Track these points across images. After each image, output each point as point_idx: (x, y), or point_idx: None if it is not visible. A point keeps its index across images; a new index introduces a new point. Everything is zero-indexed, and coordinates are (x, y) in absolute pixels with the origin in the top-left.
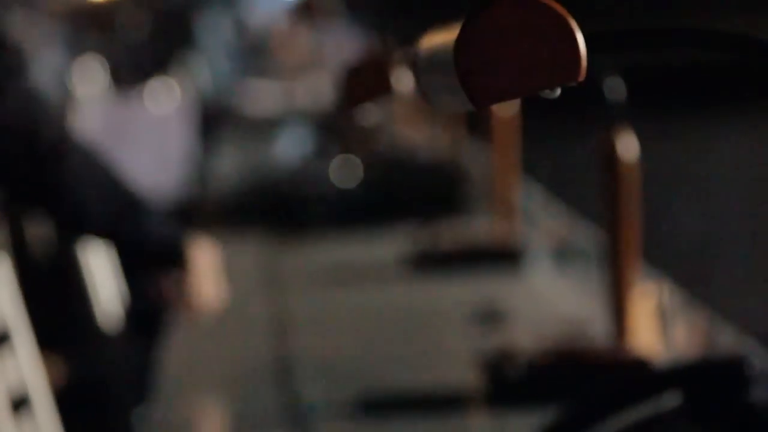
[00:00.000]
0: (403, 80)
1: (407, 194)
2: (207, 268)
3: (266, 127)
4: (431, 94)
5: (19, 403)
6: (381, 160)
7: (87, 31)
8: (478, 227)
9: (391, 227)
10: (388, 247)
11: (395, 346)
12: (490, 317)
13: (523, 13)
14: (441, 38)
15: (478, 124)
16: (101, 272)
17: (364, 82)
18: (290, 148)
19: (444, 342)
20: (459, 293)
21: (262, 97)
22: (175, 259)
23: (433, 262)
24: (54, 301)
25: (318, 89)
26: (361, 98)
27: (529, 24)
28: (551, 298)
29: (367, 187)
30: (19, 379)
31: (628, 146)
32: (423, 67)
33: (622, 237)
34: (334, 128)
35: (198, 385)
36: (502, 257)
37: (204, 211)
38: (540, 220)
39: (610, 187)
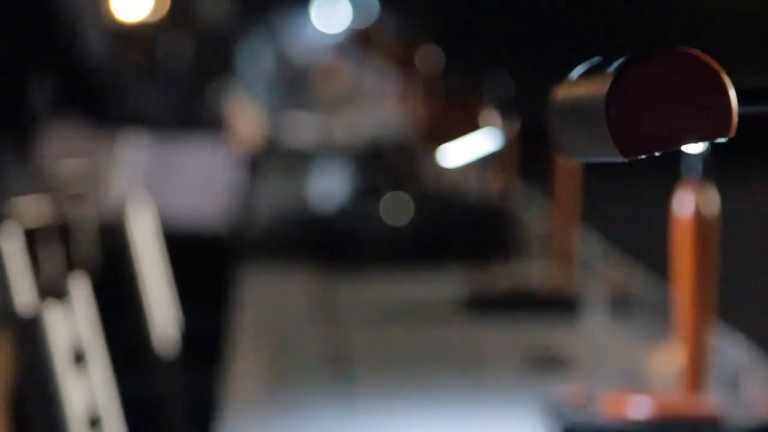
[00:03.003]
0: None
1: (459, 234)
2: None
3: (307, 160)
4: (565, 141)
5: (92, 424)
6: (432, 198)
7: (127, 55)
8: (532, 271)
9: (443, 267)
10: (440, 286)
11: (447, 386)
12: (545, 362)
13: (675, 65)
14: (581, 88)
15: (534, 168)
16: (158, 297)
17: (451, 120)
18: (334, 182)
19: (496, 385)
20: (512, 337)
21: (303, 129)
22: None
23: (487, 304)
24: (113, 324)
25: (359, 124)
26: (447, 136)
27: (682, 76)
28: (607, 346)
29: (419, 225)
30: (92, 399)
31: (708, 199)
32: (558, 115)
33: (697, 291)
34: (382, 164)
35: (256, 412)
36: (558, 303)
37: (251, 244)
38: (597, 267)
39: (687, 240)
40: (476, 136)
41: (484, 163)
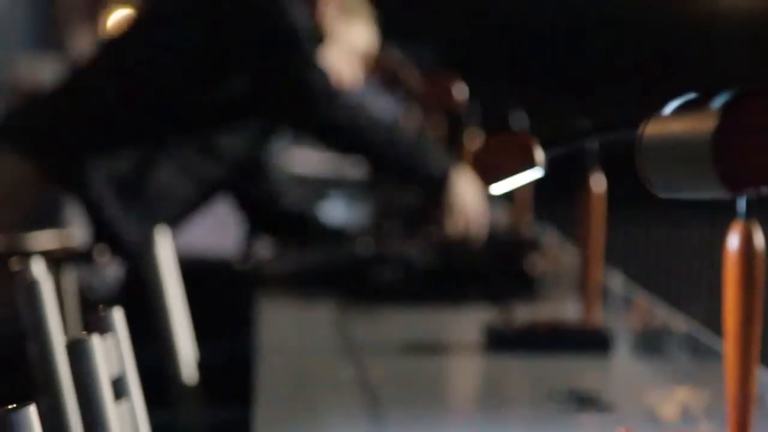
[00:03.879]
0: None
1: (483, 269)
2: (468, 196)
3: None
4: (658, 177)
5: None
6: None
7: None
8: (558, 307)
9: (467, 302)
10: (463, 322)
11: (472, 423)
12: (572, 400)
13: None
14: (677, 124)
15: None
16: (179, 328)
17: (506, 157)
18: (352, 214)
19: (522, 423)
20: (537, 374)
21: (313, 158)
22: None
23: (511, 340)
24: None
25: None
26: (501, 173)
27: None
28: (634, 382)
29: (443, 259)
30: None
31: (758, 238)
32: (650, 151)
33: (745, 336)
34: (403, 197)
35: None
36: (585, 339)
37: (273, 274)
38: (623, 304)
39: (735, 281)
40: (527, 171)
41: (507, 197)
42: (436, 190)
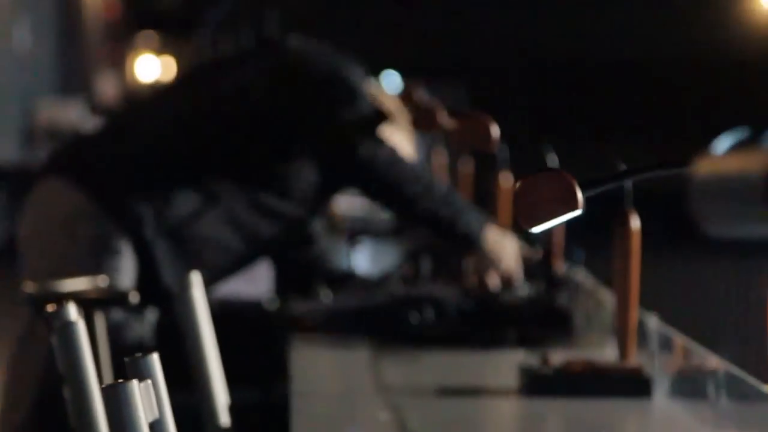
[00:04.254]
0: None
1: (518, 311)
2: (504, 250)
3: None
4: (711, 218)
5: None
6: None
7: None
8: (592, 349)
9: (503, 345)
10: (499, 365)
11: None
12: None
13: None
14: (731, 163)
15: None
16: (213, 372)
17: (548, 198)
18: (387, 257)
19: None
20: (575, 416)
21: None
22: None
23: (548, 383)
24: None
25: None
26: (544, 215)
27: None
28: (676, 425)
29: (477, 302)
30: None
31: None
32: (702, 191)
33: None
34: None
35: None
36: (623, 381)
37: (307, 316)
38: (660, 344)
39: None
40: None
41: (539, 239)
42: (472, 246)
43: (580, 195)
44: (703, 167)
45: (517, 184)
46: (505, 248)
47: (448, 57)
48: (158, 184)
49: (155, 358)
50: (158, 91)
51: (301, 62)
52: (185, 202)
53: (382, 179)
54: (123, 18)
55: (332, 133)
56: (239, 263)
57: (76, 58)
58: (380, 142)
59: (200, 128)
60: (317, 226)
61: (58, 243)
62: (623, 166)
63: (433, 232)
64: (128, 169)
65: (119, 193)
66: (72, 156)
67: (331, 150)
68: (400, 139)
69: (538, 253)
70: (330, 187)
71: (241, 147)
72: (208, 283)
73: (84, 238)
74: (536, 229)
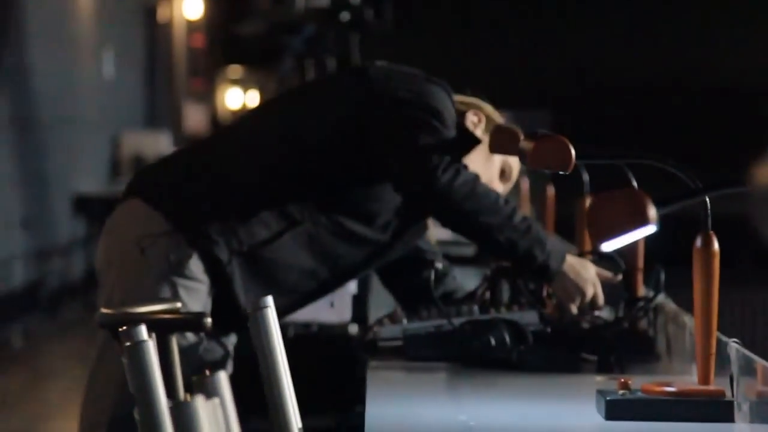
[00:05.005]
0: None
1: (597, 336)
2: (586, 282)
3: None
4: None
5: None
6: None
7: None
8: (673, 373)
9: (582, 369)
10: (580, 389)
11: None
12: None
13: None
14: None
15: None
16: (286, 396)
17: (619, 213)
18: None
19: None
20: None
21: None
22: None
23: (630, 408)
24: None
25: None
26: (615, 230)
27: None
28: None
29: (556, 325)
30: None
31: None
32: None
33: None
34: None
35: None
36: (706, 406)
37: (382, 340)
38: (742, 368)
39: None
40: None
41: (620, 263)
42: (551, 279)
43: (652, 211)
44: (762, 174)
45: (590, 202)
46: (586, 280)
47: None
48: (235, 207)
49: (223, 376)
50: (240, 116)
51: (384, 86)
52: (263, 225)
53: (459, 209)
54: (209, 50)
55: (411, 159)
56: (320, 288)
57: (162, 90)
58: (460, 170)
59: (279, 152)
60: (434, 253)
61: (133, 263)
62: (699, 185)
63: (512, 263)
64: (206, 191)
65: (195, 214)
66: (150, 177)
67: (408, 177)
68: (490, 161)
69: (618, 278)
70: (412, 213)
71: (321, 171)
72: (290, 308)
73: (159, 258)
74: (610, 247)
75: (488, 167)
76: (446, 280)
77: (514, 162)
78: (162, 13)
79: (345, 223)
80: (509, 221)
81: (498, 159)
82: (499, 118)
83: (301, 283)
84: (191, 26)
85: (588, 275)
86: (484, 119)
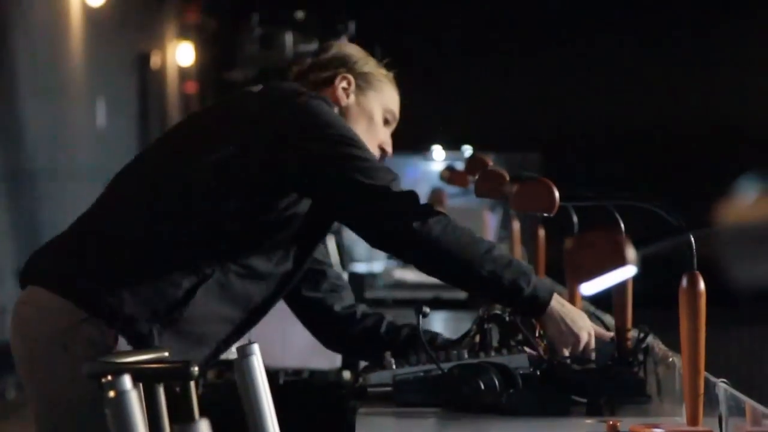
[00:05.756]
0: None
1: (587, 379)
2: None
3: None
4: (743, 265)
5: None
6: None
7: None
8: (663, 415)
9: (571, 413)
10: None
11: None
12: None
13: None
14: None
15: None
16: None
17: (597, 255)
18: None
19: None
20: None
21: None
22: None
23: None
24: None
25: None
26: (593, 271)
27: None
28: None
29: (545, 369)
30: None
31: None
32: (732, 239)
33: None
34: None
35: None
36: None
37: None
38: (730, 409)
39: None
40: (619, 270)
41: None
42: (540, 310)
43: (631, 252)
44: (729, 215)
45: (569, 244)
46: (581, 327)
47: (523, 131)
48: (143, 274)
49: (205, 425)
50: (126, 166)
51: (289, 125)
52: (174, 287)
53: (437, 250)
54: (201, 97)
55: (373, 206)
56: (236, 331)
57: (155, 137)
58: (429, 212)
59: (171, 207)
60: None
61: (58, 365)
62: (682, 224)
63: (499, 298)
64: (108, 263)
65: (106, 293)
66: (48, 261)
67: (375, 225)
68: (372, 118)
69: (610, 335)
70: (312, 238)
71: (220, 218)
72: (213, 356)
73: (83, 349)
74: (591, 289)
75: (371, 126)
76: (343, 293)
77: (392, 103)
78: (155, 61)
79: (251, 263)
80: (489, 254)
81: (378, 109)
82: (367, 65)
83: (220, 330)
84: (183, 73)
85: (584, 323)
86: (352, 79)
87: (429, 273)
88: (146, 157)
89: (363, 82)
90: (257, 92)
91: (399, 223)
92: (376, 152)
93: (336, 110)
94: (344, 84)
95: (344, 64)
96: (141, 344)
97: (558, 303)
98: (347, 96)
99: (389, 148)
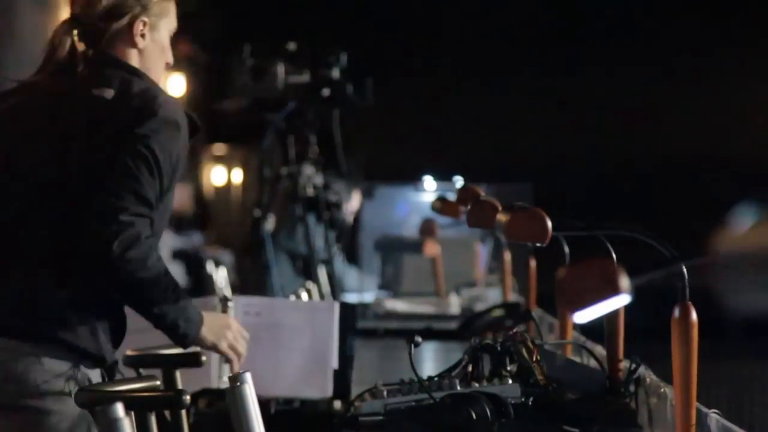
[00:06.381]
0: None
1: (576, 409)
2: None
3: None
4: (739, 293)
5: None
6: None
7: None
8: None
9: None
10: None
11: None
12: None
13: None
14: (756, 237)
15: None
16: None
17: (590, 284)
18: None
19: None
20: None
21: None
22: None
23: None
24: None
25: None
26: (587, 300)
27: None
28: None
29: (536, 397)
30: None
31: None
32: (728, 266)
33: None
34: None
35: None
36: None
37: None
38: None
39: None
40: (611, 298)
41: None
42: (187, 344)
43: (624, 281)
44: (725, 243)
45: (562, 273)
46: (222, 326)
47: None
48: (57, 300)
49: None
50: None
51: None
52: (78, 306)
53: (131, 280)
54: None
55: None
56: (119, 326)
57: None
58: (138, 239)
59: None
60: None
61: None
62: (675, 254)
63: (160, 329)
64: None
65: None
66: (18, 317)
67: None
68: (163, 57)
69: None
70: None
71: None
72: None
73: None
74: (584, 318)
75: (164, 54)
76: None
77: (175, 19)
78: None
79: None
80: (166, 293)
81: (168, 33)
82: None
83: (111, 327)
84: None
85: (224, 322)
86: (147, 20)
87: (119, 296)
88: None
89: (155, 16)
90: None
91: (102, 249)
92: (163, 73)
93: (135, 53)
94: (141, 28)
95: (139, 2)
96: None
97: (204, 330)
98: (144, 38)
99: (171, 59)
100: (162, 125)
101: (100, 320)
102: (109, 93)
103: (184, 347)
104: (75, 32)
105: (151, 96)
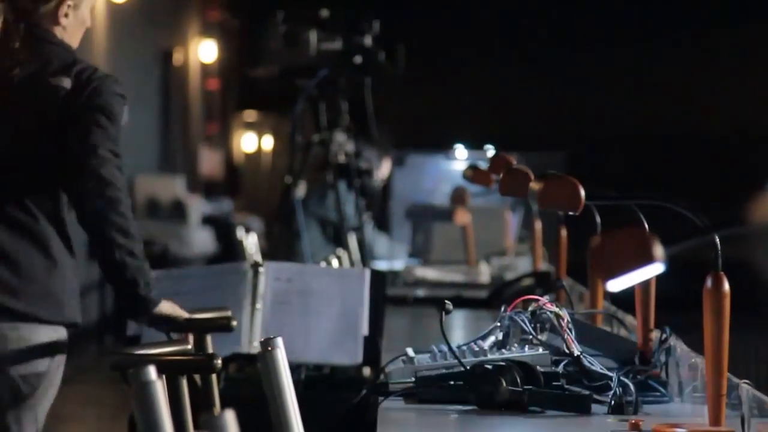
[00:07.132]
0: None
1: (606, 378)
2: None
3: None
4: None
5: None
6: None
7: None
8: (684, 414)
9: (594, 412)
10: (591, 430)
11: None
12: None
13: None
14: None
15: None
16: None
17: (624, 252)
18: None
19: None
20: None
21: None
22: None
23: None
24: None
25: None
26: (620, 268)
27: None
28: None
29: (566, 367)
30: None
31: None
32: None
33: None
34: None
35: None
36: None
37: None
38: (752, 410)
39: None
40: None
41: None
42: (144, 310)
43: (659, 249)
44: (760, 214)
45: (596, 240)
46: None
47: (547, 130)
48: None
49: (230, 414)
50: None
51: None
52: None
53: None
54: (223, 94)
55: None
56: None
57: (177, 134)
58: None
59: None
60: None
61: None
62: (708, 225)
63: (114, 284)
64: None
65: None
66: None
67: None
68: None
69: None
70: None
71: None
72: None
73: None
74: (617, 286)
75: (83, 26)
76: None
77: (86, 15)
78: (177, 57)
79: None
80: (133, 243)
81: (89, 8)
82: None
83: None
84: (206, 70)
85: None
86: (72, 4)
87: (86, 227)
88: None
89: None
90: None
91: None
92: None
93: (59, 29)
94: (65, 9)
95: None
96: None
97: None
98: (67, 18)
99: (89, 23)
100: (114, 97)
101: (73, 285)
102: (67, 82)
103: (136, 314)
104: (9, 11)
105: (101, 75)
